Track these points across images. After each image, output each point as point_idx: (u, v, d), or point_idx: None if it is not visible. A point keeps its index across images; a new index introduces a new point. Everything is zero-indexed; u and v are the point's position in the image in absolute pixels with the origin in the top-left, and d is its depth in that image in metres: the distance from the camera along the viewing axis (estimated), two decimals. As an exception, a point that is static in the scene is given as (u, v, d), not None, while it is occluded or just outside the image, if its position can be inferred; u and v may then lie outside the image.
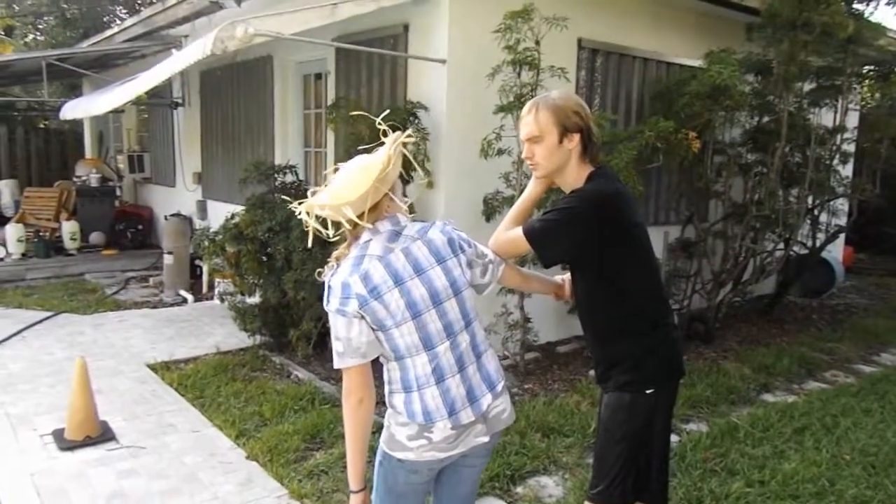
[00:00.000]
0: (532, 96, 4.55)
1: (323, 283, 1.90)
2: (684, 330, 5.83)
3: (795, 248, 6.66)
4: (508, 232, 2.18)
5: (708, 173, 5.86)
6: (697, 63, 5.76)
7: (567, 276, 2.36)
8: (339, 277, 1.84)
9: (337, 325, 1.83)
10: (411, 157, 1.99)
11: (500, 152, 4.56)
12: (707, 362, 5.35)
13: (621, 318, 2.18)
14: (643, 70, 6.20)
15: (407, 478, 1.94)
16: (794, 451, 3.81)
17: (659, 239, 5.87)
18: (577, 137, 2.10)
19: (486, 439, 1.96)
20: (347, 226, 1.83)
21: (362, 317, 1.82)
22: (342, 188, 1.83)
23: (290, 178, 5.79)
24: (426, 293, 1.86)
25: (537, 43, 4.51)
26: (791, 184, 6.30)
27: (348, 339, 1.82)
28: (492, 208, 4.89)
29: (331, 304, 1.83)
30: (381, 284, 1.82)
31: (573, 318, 5.48)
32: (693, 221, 6.18)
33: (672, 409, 2.29)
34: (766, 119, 6.11)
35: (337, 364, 1.85)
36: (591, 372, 2.54)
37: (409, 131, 1.98)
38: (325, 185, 1.89)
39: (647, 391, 2.14)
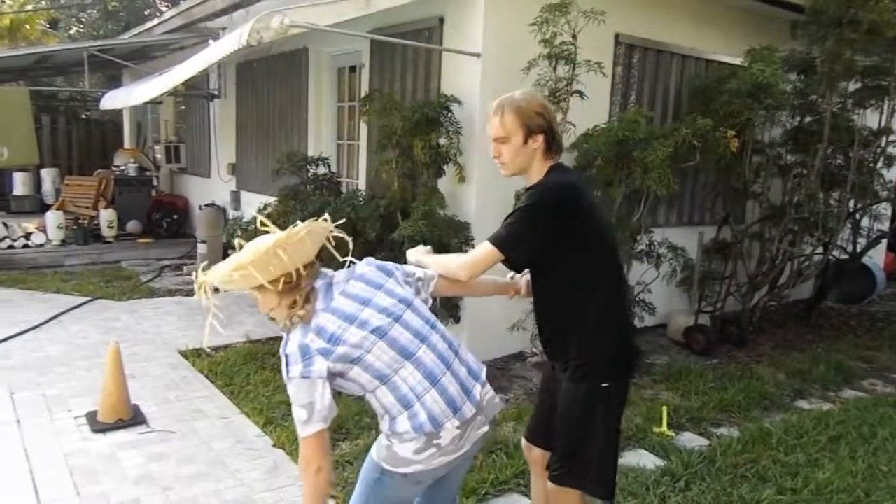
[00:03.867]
0: (568, 91, 4.52)
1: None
2: (717, 333, 5.72)
3: (835, 253, 6.49)
4: (475, 250, 2.24)
5: (746, 173, 5.73)
6: (738, 61, 5.64)
7: (518, 275, 2.42)
8: (293, 344, 1.84)
9: (300, 392, 1.81)
10: (331, 247, 2.01)
11: (534, 147, 4.51)
12: (740, 366, 5.24)
13: (583, 315, 2.23)
14: (681, 67, 6.09)
15: (409, 489, 1.96)
16: (829, 459, 3.70)
17: (693, 239, 5.77)
18: (541, 138, 2.20)
19: (486, 428, 2.00)
20: (268, 304, 1.89)
21: (326, 378, 1.82)
22: (243, 253, 1.83)
23: (322, 169, 5.82)
24: (382, 314, 1.89)
25: (574, 37, 4.45)
26: (832, 186, 6.13)
27: (312, 403, 1.80)
28: (523, 204, 4.84)
29: (292, 372, 1.81)
30: (337, 330, 1.84)
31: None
32: (729, 222, 6.05)
33: (624, 405, 2.36)
34: (807, 119, 5.95)
35: (302, 432, 1.83)
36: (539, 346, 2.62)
37: (327, 218, 1.96)
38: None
39: (604, 385, 2.23)
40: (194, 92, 9.50)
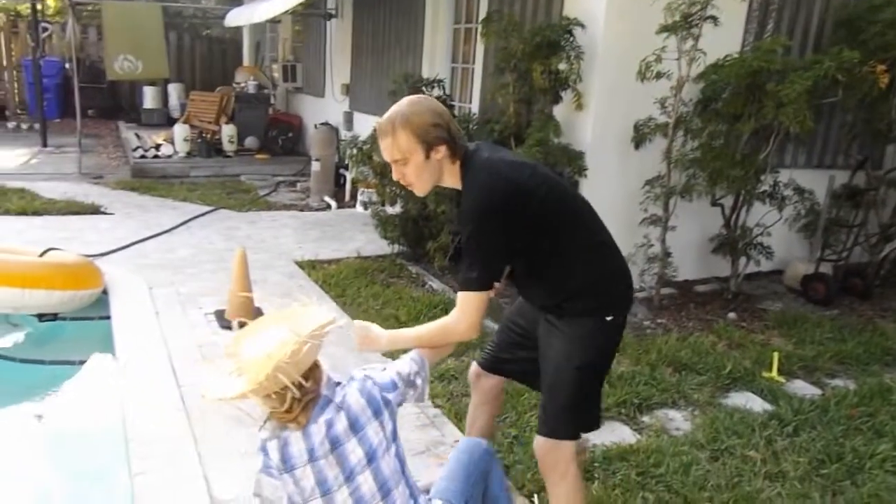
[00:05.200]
0: (701, 16, 4.25)
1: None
2: (839, 283, 5.42)
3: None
4: (460, 307, 2.04)
5: (893, 113, 5.26)
6: (897, -13, 5.08)
7: None
8: (262, 436, 1.78)
9: (261, 484, 1.82)
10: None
11: (659, 76, 4.32)
12: (862, 320, 4.98)
13: (568, 280, 2.09)
14: (828, -7, 5.57)
15: None
16: (955, 421, 3.50)
17: (822, 183, 5.41)
18: (443, 148, 2.01)
19: None
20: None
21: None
22: (245, 363, 1.69)
23: (436, 91, 5.82)
24: (339, 472, 1.75)
25: (713, -44, 4.16)
26: None
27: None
28: (642, 135, 4.69)
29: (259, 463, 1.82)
30: (298, 461, 1.74)
31: (715, 258, 5.28)
32: (865, 167, 5.61)
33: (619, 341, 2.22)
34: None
35: None
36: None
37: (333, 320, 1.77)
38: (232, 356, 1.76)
39: (608, 318, 2.10)
40: (312, 11, 9.62)
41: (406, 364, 2.02)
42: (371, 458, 1.77)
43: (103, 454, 3.17)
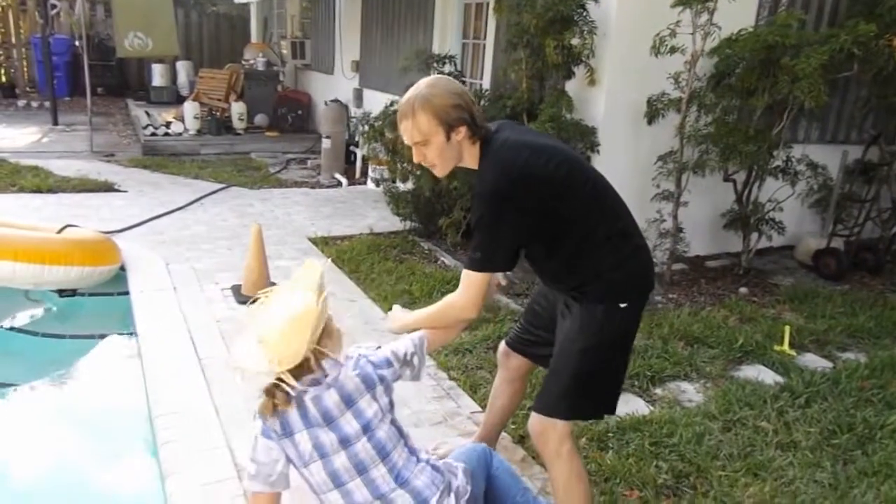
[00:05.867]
0: (717, -12, 4.21)
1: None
2: (850, 258, 5.43)
3: None
4: (463, 287, 2.06)
5: (907, 87, 5.22)
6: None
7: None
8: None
9: (257, 447, 1.88)
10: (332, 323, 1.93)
11: (673, 50, 4.30)
12: (873, 294, 4.99)
13: (584, 266, 2.07)
14: (844, -35, 5.50)
15: None
16: (966, 393, 3.54)
17: (834, 158, 5.39)
18: (463, 129, 2.00)
19: None
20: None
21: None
22: (279, 346, 1.77)
23: (448, 67, 5.80)
24: (336, 438, 1.84)
25: (729, -72, 4.12)
26: None
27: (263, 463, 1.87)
28: (655, 111, 4.68)
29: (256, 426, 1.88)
30: (294, 424, 1.83)
31: (726, 234, 5.30)
32: (879, 142, 5.59)
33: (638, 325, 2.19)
34: None
35: (246, 486, 1.89)
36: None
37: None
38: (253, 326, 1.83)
39: (622, 305, 2.06)
40: (321, -13, 9.57)
41: (403, 344, 2.08)
42: (366, 428, 1.87)
43: (127, 425, 3.25)
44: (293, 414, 1.83)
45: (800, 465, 2.83)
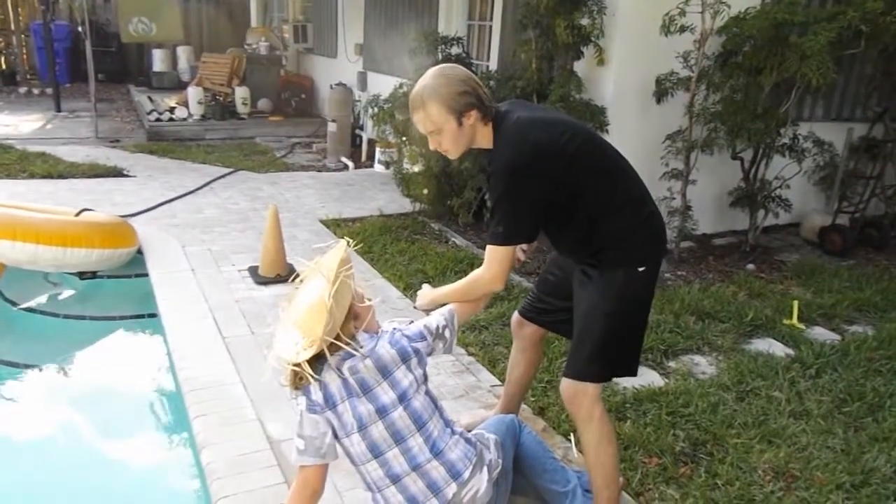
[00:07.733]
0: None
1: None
2: (855, 234, 5.50)
3: None
4: (488, 261, 2.14)
5: (913, 64, 5.27)
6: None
7: None
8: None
9: (303, 423, 1.91)
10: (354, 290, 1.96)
11: (683, 29, 4.34)
12: (878, 269, 5.08)
13: (601, 234, 2.14)
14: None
15: None
16: (972, 363, 3.63)
17: (840, 135, 5.45)
18: (473, 113, 2.08)
19: None
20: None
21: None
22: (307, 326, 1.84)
23: (455, 49, 5.84)
24: (373, 409, 1.90)
25: None
26: None
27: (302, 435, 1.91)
28: (664, 90, 4.73)
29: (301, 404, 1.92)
30: (336, 395, 1.89)
31: (733, 212, 5.36)
32: (884, 119, 5.64)
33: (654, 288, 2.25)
34: None
35: (295, 461, 1.93)
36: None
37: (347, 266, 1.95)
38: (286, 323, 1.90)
39: (640, 269, 2.15)
40: (322, -30, 9.54)
41: (435, 319, 2.15)
42: (403, 397, 1.94)
43: (157, 401, 3.33)
44: (334, 385, 1.90)
45: (812, 432, 2.92)
